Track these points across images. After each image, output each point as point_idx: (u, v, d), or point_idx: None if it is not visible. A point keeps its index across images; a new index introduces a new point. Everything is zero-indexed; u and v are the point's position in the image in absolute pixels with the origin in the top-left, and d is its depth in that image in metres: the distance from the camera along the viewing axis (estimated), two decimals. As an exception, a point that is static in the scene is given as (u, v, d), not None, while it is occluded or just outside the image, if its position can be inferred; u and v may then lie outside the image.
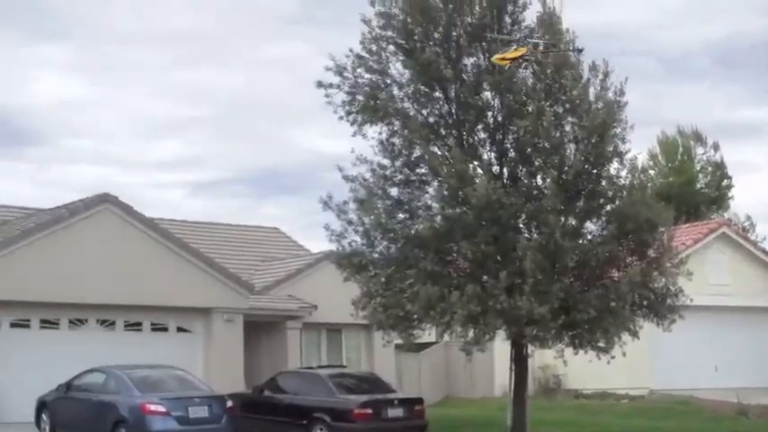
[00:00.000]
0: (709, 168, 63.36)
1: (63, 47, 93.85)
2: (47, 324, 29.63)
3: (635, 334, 24.61)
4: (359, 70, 25.72)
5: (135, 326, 31.08)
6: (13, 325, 29.05)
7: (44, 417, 25.58)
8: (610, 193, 24.55)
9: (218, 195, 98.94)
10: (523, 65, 24.43)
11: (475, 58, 25.11)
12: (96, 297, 29.51)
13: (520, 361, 26.15)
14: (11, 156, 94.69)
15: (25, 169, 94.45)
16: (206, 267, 31.84)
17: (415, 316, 24.92)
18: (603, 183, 24.54)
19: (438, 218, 24.96)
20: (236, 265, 36.35)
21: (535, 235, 24.17)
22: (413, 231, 25.06)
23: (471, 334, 24.62)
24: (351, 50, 25.55)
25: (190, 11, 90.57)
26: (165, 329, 31.64)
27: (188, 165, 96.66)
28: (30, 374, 27.82)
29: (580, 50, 24.30)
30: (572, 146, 24.44)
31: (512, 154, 25.14)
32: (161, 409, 22.89)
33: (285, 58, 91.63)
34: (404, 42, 25.34)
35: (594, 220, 25.16)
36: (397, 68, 25.79)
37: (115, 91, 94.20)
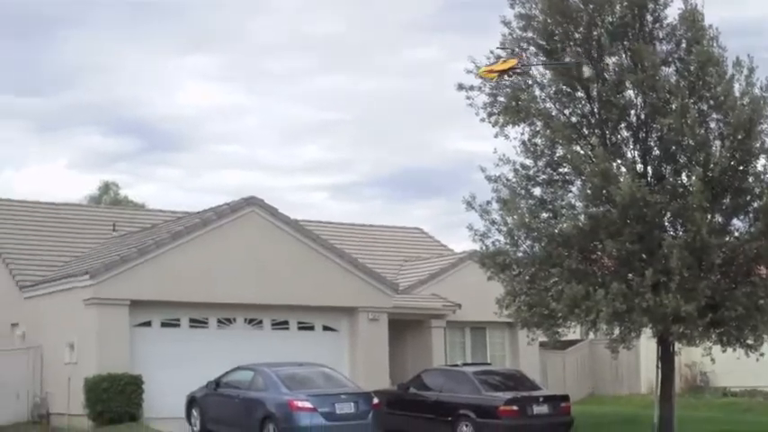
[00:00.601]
0: None
1: (210, 57, 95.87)
2: (196, 323, 30.35)
3: (785, 331, 24.26)
4: (500, 72, 25.80)
5: (282, 325, 31.63)
6: (163, 324, 29.84)
7: (194, 412, 26.18)
8: (757, 190, 24.20)
9: (360, 197, 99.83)
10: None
11: (617, 57, 24.97)
12: (244, 297, 30.13)
13: (666, 358, 25.94)
14: (161, 162, 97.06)
15: (174, 175, 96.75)
16: (351, 267, 32.23)
17: (560, 314, 24.89)
18: (750, 179, 24.20)
19: (582, 216, 24.91)
20: (380, 265, 36.70)
21: (681, 232, 23.97)
22: (556, 230, 25.04)
23: (617, 332, 24.54)
24: (491, 52, 25.65)
25: (331, 19, 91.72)
26: (312, 328, 32.12)
27: (331, 168, 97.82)
28: (180, 371, 28.48)
29: None
30: (717, 143, 24.18)
31: (656, 152, 24.97)
32: (308, 405, 23.23)
33: (425, 62, 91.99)
34: (544, 43, 25.34)
35: (741, 217, 24.82)
36: (538, 69, 25.83)
37: (260, 98, 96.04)
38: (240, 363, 25.97)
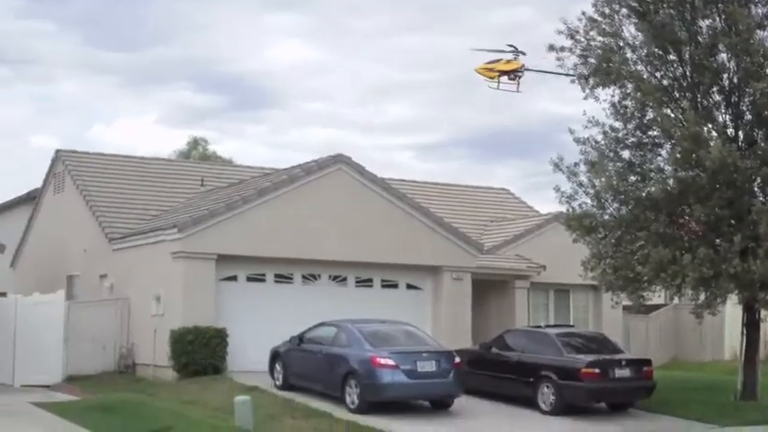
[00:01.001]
0: None
1: (299, 15, 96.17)
2: (281, 278, 30.60)
3: None
4: (591, 33, 25.65)
5: (366, 282, 31.78)
6: (249, 279, 30.12)
7: (277, 366, 26.43)
8: None
9: (445, 157, 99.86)
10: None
11: (710, 20, 24.61)
12: (329, 254, 30.32)
13: (752, 325, 25.72)
14: (248, 118, 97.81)
15: (261, 131, 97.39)
16: (436, 227, 32.25)
17: (645, 278, 24.76)
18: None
19: (670, 180, 24.71)
20: (465, 225, 36.73)
21: (771, 199, 23.71)
22: (644, 193, 24.87)
23: (702, 297, 24.35)
24: (583, 14, 25.47)
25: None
26: (395, 286, 32.24)
27: (416, 127, 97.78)
28: (264, 326, 28.78)
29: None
30: (811, 109, 23.80)
31: (747, 117, 24.66)
32: (390, 362, 23.35)
33: (513, 23, 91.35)
34: (637, 5, 25.08)
35: (833, 184, 24.46)
36: (630, 31, 25.64)
37: (347, 56, 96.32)
38: (324, 319, 26.16)
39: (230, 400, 21.55)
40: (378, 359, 23.38)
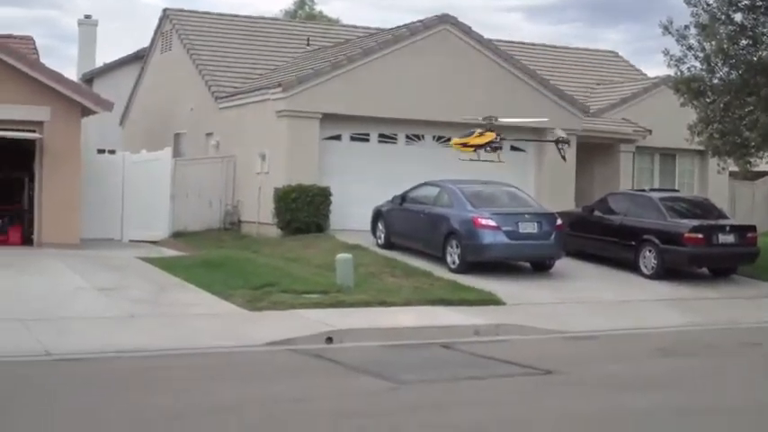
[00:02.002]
0: None
1: None
2: (385, 138, 30.62)
3: None
4: None
5: (470, 143, 31.65)
6: (353, 138, 30.21)
7: (379, 226, 26.65)
8: None
9: (554, 20, 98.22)
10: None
11: None
12: (433, 114, 30.18)
13: None
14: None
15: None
16: (541, 88, 31.91)
17: (753, 144, 24.39)
18: None
19: (783, 44, 24.12)
20: (571, 87, 36.30)
21: None
22: (755, 58, 24.33)
23: (810, 163, 23.93)
24: None
25: None
26: (498, 147, 32.06)
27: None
28: (366, 185, 28.99)
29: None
30: None
31: None
32: (492, 223, 23.43)
33: None
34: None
35: None
36: None
37: None
38: (426, 179, 26.25)
39: (332, 257, 21.84)
40: (479, 220, 23.46)
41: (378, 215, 26.81)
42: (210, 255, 24.88)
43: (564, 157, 10.12)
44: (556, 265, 24.60)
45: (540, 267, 24.64)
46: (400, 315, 18.93)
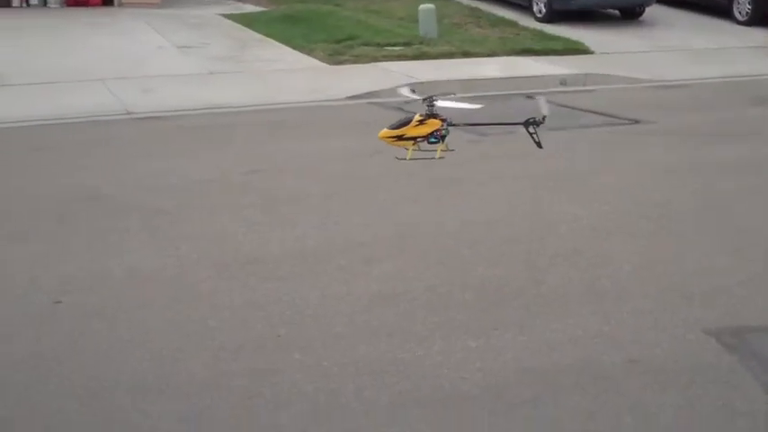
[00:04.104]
0: None
1: None
2: None
3: None
4: None
5: None
6: None
7: (466, -24, 25.88)
8: None
9: None
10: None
11: None
12: None
13: None
14: None
15: None
16: None
17: None
18: None
19: None
20: None
21: None
22: None
23: None
24: None
25: None
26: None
27: None
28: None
29: None
30: None
31: None
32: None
33: None
34: None
35: None
36: None
37: None
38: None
39: (415, 9, 21.39)
40: None
41: None
42: (292, 9, 24.50)
43: (539, 144, 8.82)
44: (646, 12, 23.90)
45: (630, 15, 23.94)
46: (485, 66, 18.62)
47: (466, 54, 19.39)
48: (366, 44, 19.76)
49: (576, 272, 8.26)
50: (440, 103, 10.82)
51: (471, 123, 11.11)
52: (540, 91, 16.47)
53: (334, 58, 18.87)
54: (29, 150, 12.44)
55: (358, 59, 18.73)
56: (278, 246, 8.92)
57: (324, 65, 18.56)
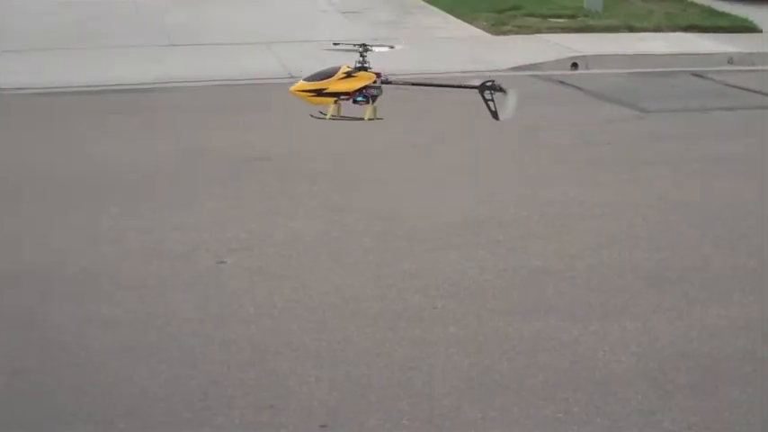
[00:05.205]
0: None
1: None
2: None
3: None
4: None
5: None
6: None
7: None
8: None
9: None
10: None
11: None
12: None
13: None
14: None
15: None
16: None
17: None
18: None
19: None
20: None
21: None
22: None
23: None
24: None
25: None
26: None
27: None
28: None
29: None
30: None
31: None
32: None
33: None
34: None
35: None
36: None
37: None
38: None
39: (580, -19, 21.12)
40: None
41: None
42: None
43: (494, 114, 7.82)
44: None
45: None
46: (650, 41, 18.32)
47: (631, 28, 19.09)
48: (530, 15, 19.60)
49: (741, 258, 8.08)
50: (378, 50, 9.64)
51: (413, 83, 10.03)
52: (706, 69, 16.21)
53: (497, 27, 18.78)
54: (193, 111, 12.72)
55: (521, 30, 18.62)
56: (442, 217, 8.94)
57: (486, 34, 18.49)
